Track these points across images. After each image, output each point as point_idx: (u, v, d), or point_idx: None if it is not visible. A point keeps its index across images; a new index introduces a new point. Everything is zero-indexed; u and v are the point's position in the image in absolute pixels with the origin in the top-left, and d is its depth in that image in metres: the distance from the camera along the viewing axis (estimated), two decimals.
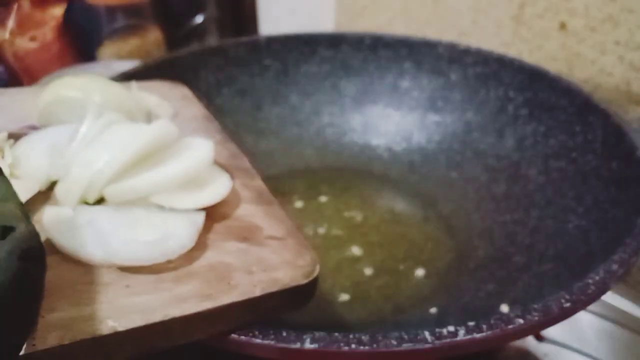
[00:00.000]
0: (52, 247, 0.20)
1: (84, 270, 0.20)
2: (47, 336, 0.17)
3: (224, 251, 0.22)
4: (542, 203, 0.36)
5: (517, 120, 0.41)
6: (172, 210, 0.23)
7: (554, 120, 0.38)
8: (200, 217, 0.22)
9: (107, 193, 0.22)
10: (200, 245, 0.22)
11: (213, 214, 0.23)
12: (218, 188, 0.24)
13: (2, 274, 0.15)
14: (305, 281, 0.21)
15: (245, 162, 0.28)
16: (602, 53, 0.44)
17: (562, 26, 0.45)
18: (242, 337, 0.20)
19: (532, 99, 0.40)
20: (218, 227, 0.23)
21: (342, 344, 0.19)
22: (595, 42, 0.44)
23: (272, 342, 0.20)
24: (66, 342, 0.17)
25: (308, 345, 0.20)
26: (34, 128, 0.27)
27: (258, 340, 0.20)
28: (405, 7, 0.57)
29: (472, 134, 0.43)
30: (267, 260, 0.22)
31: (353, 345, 0.19)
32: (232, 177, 0.26)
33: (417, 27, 0.56)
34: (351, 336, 0.20)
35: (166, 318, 0.18)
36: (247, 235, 0.23)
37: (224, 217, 0.24)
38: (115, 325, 0.18)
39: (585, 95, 0.37)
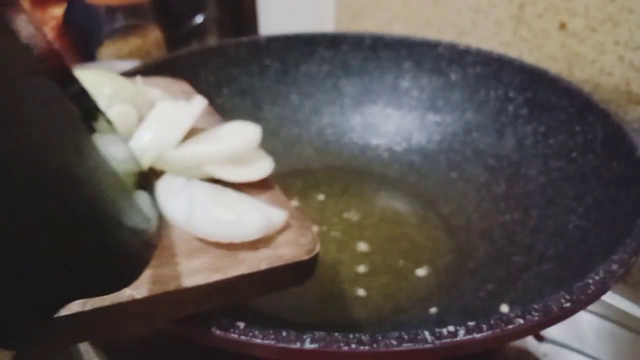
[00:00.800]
0: None
1: None
2: (70, 305, 0.18)
3: None
4: (542, 203, 0.36)
5: (517, 120, 0.41)
6: (261, 200, 0.25)
7: (554, 120, 0.38)
8: (279, 216, 0.23)
9: (170, 157, 0.25)
10: None
11: None
12: (262, 166, 0.27)
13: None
14: (307, 257, 0.22)
15: None
16: (602, 53, 0.44)
17: (562, 26, 0.45)
18: (242, 337, 0.20)
19: (532, 99, 0.40)
20: None
21: (342, 344, 0.19)
22: (595, 42, 0.44)
23: (272, 342, 0.20)
24: (87, 308, 0.18)
25: (308, 345, 0.20)
26: None
27: (258, 340, 0.20)
28: (405, 7, 0.57)
29: (472, 134, 0.43)
30: (271, 239, 0.23)
31: (353, 345, 0.19)
32: None
33: (417, 27, 0.56)
34: (351, 336, 0.20)
35: (179, 288, 0.20)
36: None
37: None
38: (133, 294, 0.19)
39: (585, 95, 0.37)
